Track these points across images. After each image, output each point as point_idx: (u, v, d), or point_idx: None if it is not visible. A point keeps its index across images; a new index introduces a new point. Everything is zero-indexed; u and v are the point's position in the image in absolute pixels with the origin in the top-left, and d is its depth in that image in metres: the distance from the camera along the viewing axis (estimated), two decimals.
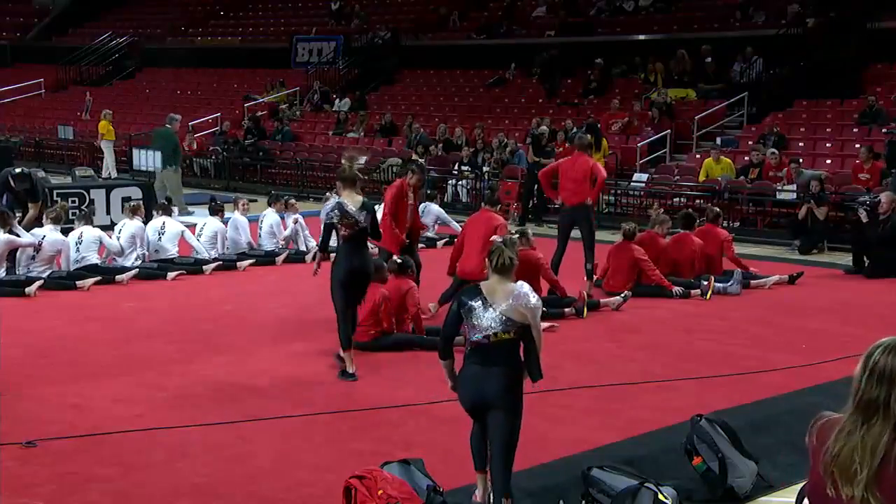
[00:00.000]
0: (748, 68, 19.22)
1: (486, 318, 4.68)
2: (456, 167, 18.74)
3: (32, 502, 4.96)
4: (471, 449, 4.97)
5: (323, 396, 6.83)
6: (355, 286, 7.33)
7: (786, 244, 13.91)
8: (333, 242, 7.55)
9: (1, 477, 5.25)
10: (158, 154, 16.84)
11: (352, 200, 7.28)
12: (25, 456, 5.56)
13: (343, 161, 7.69)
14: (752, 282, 11.00)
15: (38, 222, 11.97)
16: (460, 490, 5.04)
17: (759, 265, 11.65)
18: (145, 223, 11.79)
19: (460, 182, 18.43)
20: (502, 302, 4.67)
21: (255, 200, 14.61)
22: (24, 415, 6.27)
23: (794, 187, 14.61)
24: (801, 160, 15.38)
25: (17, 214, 12.18)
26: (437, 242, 13.71)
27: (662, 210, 11.64)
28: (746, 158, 16.08)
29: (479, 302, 4.71)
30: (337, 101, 24.24)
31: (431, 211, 14.32)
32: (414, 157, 16.63)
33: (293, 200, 13.44)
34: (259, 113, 24.30)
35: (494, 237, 6.26)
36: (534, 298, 4.72)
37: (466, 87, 23.79)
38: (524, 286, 4.77)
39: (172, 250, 11.62)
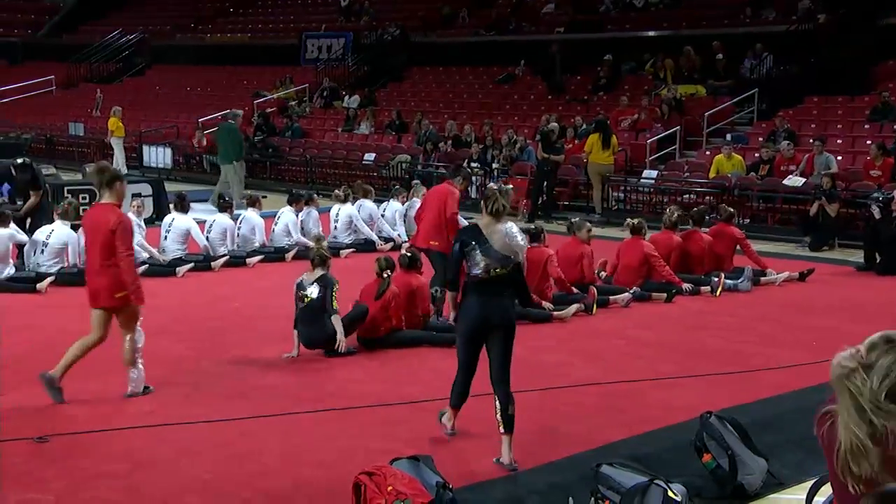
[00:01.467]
0: (758, 65, 19.15)
1: (485, 256, 5.38)
2: (465, 164, 18.71)
3: (44, 497, 4.97)
4: (453, 391, 5.72)
5: (330, 393, 6.84)
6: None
7: (796, 241, 13.86)
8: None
9: (13, 472, 5.29)
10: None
11: (312, 276, 7.65)
12: (37, 451, 5.58)
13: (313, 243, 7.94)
14: (762, 279, 10.96)
15: (38, 210, 12.01)
16: (470, 487, 5.04)
17: (770, 262, 11.60)
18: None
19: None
20: (497, 241, 5.39)
21: (265, 197, 14.62)
22: (35, 410, 6.29)
23: (801, 180, 14.55)
24: (825, 139, 15.33)
25: (19, 203, 12.24)
26: None
27: (677, 210, 11.55)
28: (757, 155, 16.04)
29: (479, 241, 5.41)
30: (346, 97, 24.25)
31: None
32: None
33: (315, 196, 13.54)
34: (268, 110, 24.33)
35: (491, 185, 6.63)
36: (520, 237, 5.51)
37: (475, 84, 23.77)
38: (513, 227, 5.52)
39: (175, 248, 11.58)
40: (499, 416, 5.42)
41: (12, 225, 10.60)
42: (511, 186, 8.00)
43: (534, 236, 9.75)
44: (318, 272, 7.70)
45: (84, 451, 5.61)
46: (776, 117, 17.20)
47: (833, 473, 2.50)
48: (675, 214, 11.16)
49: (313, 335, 7.63)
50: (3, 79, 30.98)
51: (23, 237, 10.66)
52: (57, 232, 10.55)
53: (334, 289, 7.58)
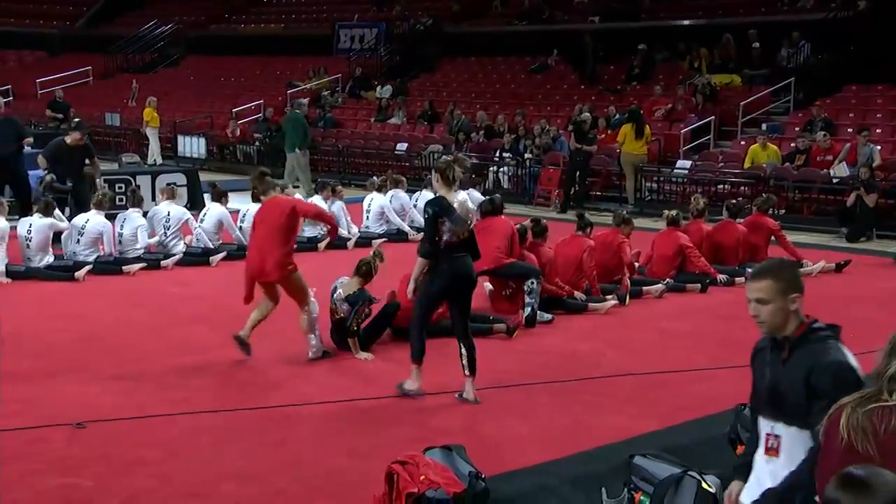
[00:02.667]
0: (795, 53, 18.90)
1: (453, 223, 6.16)
2: (497, 154, 18.68)
3: (82, 481, 5.05)
4: (416, 346, 6.36)
5: (363, 383, 6.86)
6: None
7: (833, 232, 13.69)
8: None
9: (52, 457, 5.37)
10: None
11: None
12: (75, 437, 5.67)
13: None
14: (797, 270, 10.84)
15: (83, 192, 12.09)
16: (502, 476, 5.04)
17: (805, 253, 11.47)
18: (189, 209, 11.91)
19: (501, 169, 18.38)
20: (459, 208, 6.20)
21: (297, 186, 14.69)
22: (74, 397, 6.39)
23: (845, 169, 14.34)
24: (869, 130, 15.14)
25: (69, 183, 12.28)
26: None
27: (703, 198, 11.46)
28: (793, 145, 15.85)
29: (448, 212, 6.16)
30: (378, 87, 24.29)
31: (473, 198, 14.28)
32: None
33: (339, 187, 13.55)
34: (302, 99, 24.42)
35: (444, 157, 7.20)
36: (470, 203, 6.47)
37: (508, 74, 23.68)
38: (463, 193, 6.40)
39: (209, 238, 11.64)
40: (465, 361, 6.32)
41: (56, 212, 10.76)
42: (462, 156, 7.98)
43: (580, 227, 9.71)
44: (355, 285, 7.59)
45: (120, 438, 5.68)
46: (813, 106, 16.98)
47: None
48: (701, 202, 11.08)
49: (342, 345, 7.65)
50: (41, 70, 31.35)
51: (64, 224, 10.78)
52: (92, 221, 10.68)
53: (361, 308, 7.45)
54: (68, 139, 12.54)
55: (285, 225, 7.24)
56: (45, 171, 12.35)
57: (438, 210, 6.19)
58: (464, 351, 6.34)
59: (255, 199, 12.44)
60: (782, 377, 3.10)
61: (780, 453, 3.11)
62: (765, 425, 3.18)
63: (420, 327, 6.41)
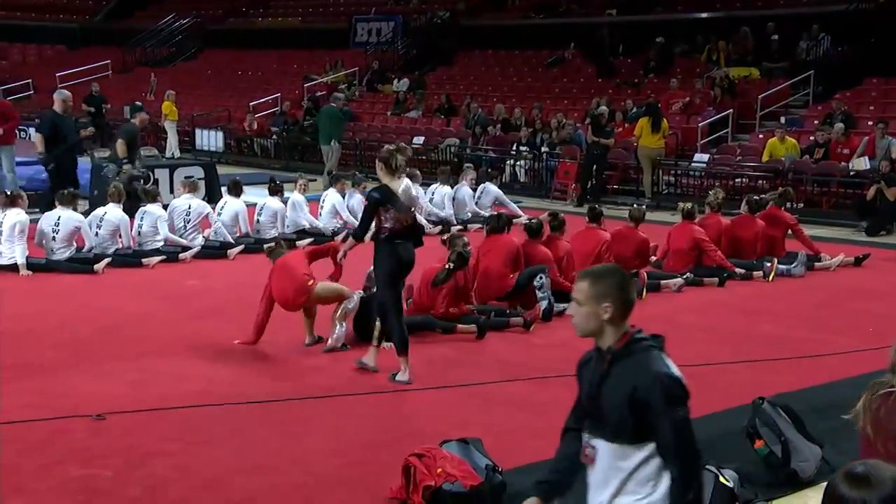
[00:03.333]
0: (815, 46, 18.75)
1: (397, 211, 6.39)
2: (514, 147, 18.66)
3: (102, 472, 5.10)
4: (399, 336, 6.55)
5: (380, 376, 6.88)
6: None
7: (852, 225, 13.60)
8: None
9: (73, 447, 5.42)
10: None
11: None
12: (95, 428, 5.72)
13: None
14: (816, 264, 10.79)
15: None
16: (518, 469, 5.05)
17: (824, 247, 11.41)
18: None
19: (518, 163, 18.36)
20: (403, 195, 6.42)
21: (315, 180, 14.73)
22: (94, 389, 6.44)
23: (865, 162, 14.22)
24: (886, 122, 15.02)
25: (143, 171, 12.61)
26: None
27: (720, 191, 11.42)
28: (812, 138, 15.74)
29: (392, 200, 6.39)
30: (395, 81, 24.29)
31: (490, 192, 14.30)
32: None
33: (354, 175, 13.60)
34: (318, 93, 24.45)
35: (386, 146, 7.04)
36: (414, 191, 6.72)
37: (525, 68, 23.63)
38: (407, 181, 6.57)
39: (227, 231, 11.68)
40: (377, 333, 6.73)
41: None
42: (404, 144, 8.09)
43: (592, 218, 9.71)
44: None
45: (139, 430, 5.73)
46: (833, 100, 16.85)
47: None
48: (720, 196, 11.04)
49: (362, 337, 7.62)
50: (61, 64, 31.51)
51: (85, 223, 10.82)
52: (109, 214, 10.75)
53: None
54: (136, 121, 12.85)
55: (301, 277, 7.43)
56: (124, 160, 12.64)
57: (381, 198, 6.45)
58: (378, 323, 6.74)
59: (273, 192, 12.61)
60: (603, 391, 2.93)
61: (595, 464, 2.97)
62: (585, 436, 3.02)
63: (397, 314, 6.60)
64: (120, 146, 12.92)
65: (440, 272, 7.91)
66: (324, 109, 18.57)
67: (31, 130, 21.18)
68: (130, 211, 11.06)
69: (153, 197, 11.45)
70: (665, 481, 2.87)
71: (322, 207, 12.81)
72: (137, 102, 15.81)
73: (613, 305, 2.93)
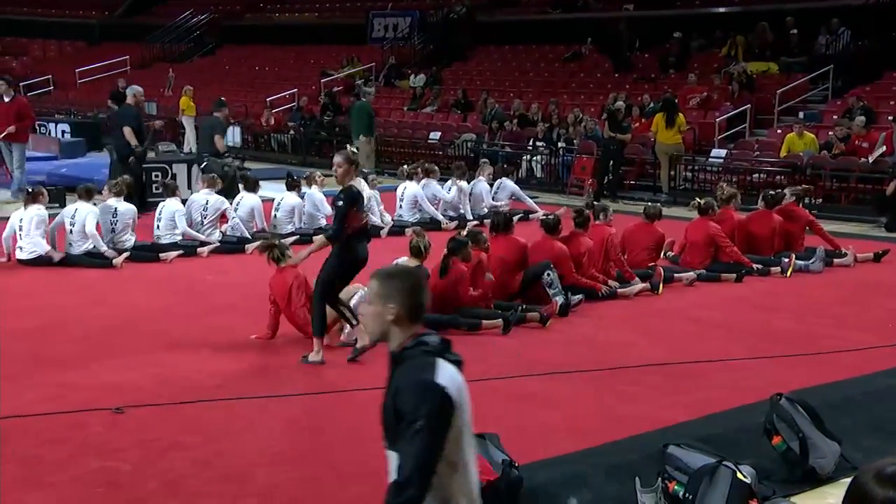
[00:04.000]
0: (834, 40, 18.61)
1: (364, 210, 6.90)
2: (531, 143, 18.63)
3: (121, 465, 5.13)
4: (321, 320, 6.94)
5: None
6: None
7: (871, 221, 13.51)
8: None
9: (93, 441, 5.47)
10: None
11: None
12: (114, 421, 5.75)
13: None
14: (835, 260, 10.72)
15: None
16: (535, 465, 5.05)
17: (843, 243, 11.33)
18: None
19: (535, 158, 18.33)
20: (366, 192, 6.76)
21: (332, 175, 14.72)
22: (112, 382, 6.48)
23: (883, 150, 14.12)
24: None
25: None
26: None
27: (729, 186, 11.40)
28: (831, 133, 15.63)
29: (360, 200, 6.94)
30: (412, 76, 24.30)
31: (506, 187, 14.29)
32: None
33: (373, 175, 13.58)
34: (335, 89, 24.50)
35: (349, 148, 7.67)
36: (368, 189, 7.40)
37: (542, 63, 23.58)
38: (360, 181, 7.12)
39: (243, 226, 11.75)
40: (349, 314, 7.12)
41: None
42: (356, 149, 8.33)
43: (596, 214, 9.69)
44: (414, 264, 7.58)
45: (158, 423, 5.76)
46: (851, 95, 16.72)
47: None
48: (726, 190, 11.03)
49: None
50: (81, 60, 31.73)
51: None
52: (123, 206, 10.82)
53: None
54: (220, 115, 13.18)
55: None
56: (226, 154, 13.02)
57: (351, 199, 6.82)
58: (343, 308, 7.15)
59: (290, 187, 12.64)
60: (385, 398, 2.81)
61: (390, 475, 2.81)
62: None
63: (322, 304, 6.98)
64: (219, 141, 13.38)
65: (440, 263, 7.95)
66: (355, 104, 18.65)
67: (52, 127, 21.41)
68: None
69: (172, 191, 11.52)
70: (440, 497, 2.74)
71: (401, 200, 13.07)
72: (222, 98, 16.02)
73: (398, 307, 2.84)
